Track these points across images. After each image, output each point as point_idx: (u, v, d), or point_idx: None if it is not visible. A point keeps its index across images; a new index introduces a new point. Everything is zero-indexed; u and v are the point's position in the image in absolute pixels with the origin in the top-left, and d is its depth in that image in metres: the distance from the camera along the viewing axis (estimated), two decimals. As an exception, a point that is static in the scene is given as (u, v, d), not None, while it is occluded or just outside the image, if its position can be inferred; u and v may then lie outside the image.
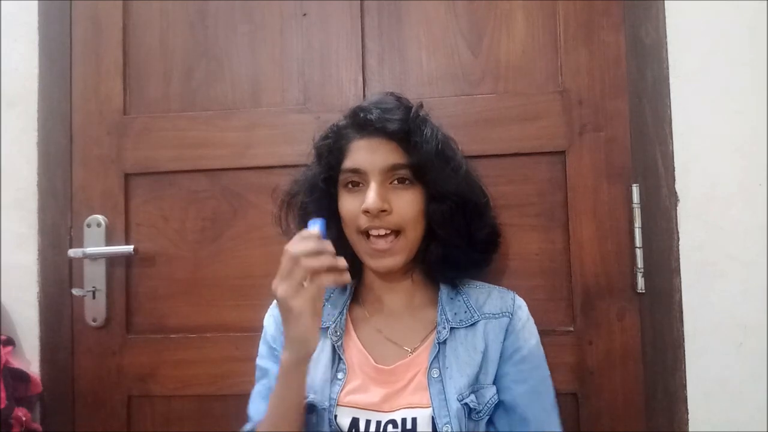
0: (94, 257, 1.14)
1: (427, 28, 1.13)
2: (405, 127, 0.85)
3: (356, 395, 0.86)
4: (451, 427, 0.81)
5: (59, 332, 1.16)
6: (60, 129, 1.19)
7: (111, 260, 1.16)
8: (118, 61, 1.19)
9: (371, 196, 0.83)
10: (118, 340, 1.15)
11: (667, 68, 1.06)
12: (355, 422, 0.84)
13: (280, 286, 0.74)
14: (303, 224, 0.90)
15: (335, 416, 0.84)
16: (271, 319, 0.94)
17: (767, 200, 1.03)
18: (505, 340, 0.88)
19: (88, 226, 1.16)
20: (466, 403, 0.83)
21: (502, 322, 0.89)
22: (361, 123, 0.86)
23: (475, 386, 0.85)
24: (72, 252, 1.13)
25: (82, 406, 1.15)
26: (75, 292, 1.14)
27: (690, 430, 1.02)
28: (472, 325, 0.89)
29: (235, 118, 1.15)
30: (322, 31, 1.15)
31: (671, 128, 1.05)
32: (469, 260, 0.92)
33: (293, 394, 0.80)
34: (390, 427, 0.83)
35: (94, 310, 1.15)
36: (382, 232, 0.85)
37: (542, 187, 1.08)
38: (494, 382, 0.87)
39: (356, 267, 0.92)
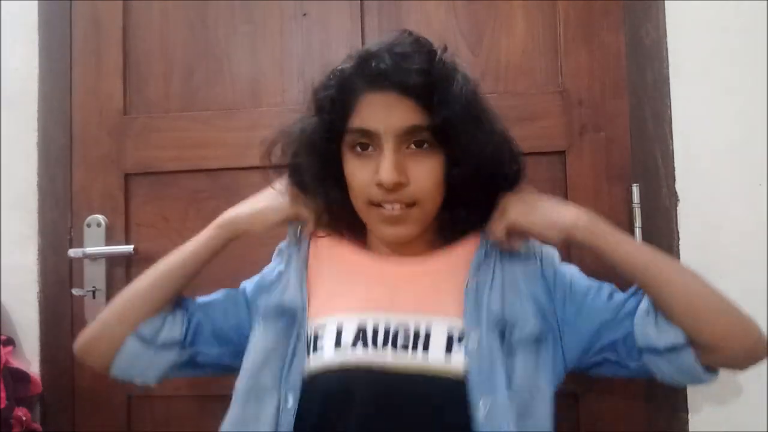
0: (94, 257, 1.14)
1: (427, 28, 1.12)
2: (427, 81, 0.71)
3: (342, 298, 0.78)
4: (484, 344, 0.71)
5: (59, 332, 1.16)
6: (60, 129, 1.19)
7: (111, 260, 1.16)
8: (118, 61, 1.19)
9: (387, 169, 0.71)
10: (118, 340, 1.15)
11: (667, 68, 1.06)
12: (339, 327, 0.74)
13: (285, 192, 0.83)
14: (296, 185, 0.84)
15: (311, 328, 0.76)
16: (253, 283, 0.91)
17: (767, 200, 1.03)
18: (553, 294, 0.80)
19: (88, 226, 1.16)
20: (498, 315, 0.74)
21: (538, 277, 0.81)
22: (372, 74, 0.72)
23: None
24: (72, 252, 1.13)
25: (82, 406, 1.15)
26: (75, 292, 1.14)
27: (690, 430, 1.02)
28: (509, 257, 0.80)
29: (236, 118, 1.15)
30: (322, 31, 1.15)
31: (671, 128, 1.05)
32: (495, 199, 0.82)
33: (204, 250, 0.84)
34: (402, 331, 0.73)
35: (95, 310, 1.15)
36: (397, 206, 0.74)
37: (542, 187, 1.06)
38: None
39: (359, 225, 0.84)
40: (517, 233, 0.79)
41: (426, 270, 0.80)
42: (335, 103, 0.76)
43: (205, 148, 1.15)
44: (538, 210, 0.78)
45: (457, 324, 0.74)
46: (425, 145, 0.74)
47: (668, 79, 1.05)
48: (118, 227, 1.16)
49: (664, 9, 1.06)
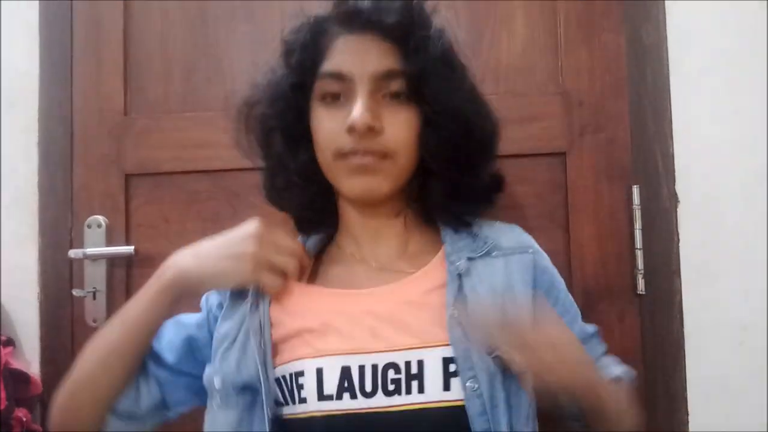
0: (94, 258, 1.14)
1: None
2: (406, 22, 0.67)
3: (319, 340, 0.67)
4: (479, 383, 0.63)
5: (59, 333, 1.16)
6: (60, 129, 1.18)
7: (111, 261, 1.15)
8: (119, 61, 1.18)
9: (359, 109, 0.65)
10: (118, 340, 1.15)
11: (667, 68, 1.06)
12: (319, 373, 0.64)
13: (254, 243, 0.70)
14: (264, 142, 0.78)
15: (290, 379, 0.66)
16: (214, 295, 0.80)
17: (767, 200, 1.03)
18: (536, 280, 0.73)
19: (89, 226, 1.16)
20: (498, 356, 0.64)
21: (525, 260, 0.74)
22: (348, 14, 0.68)
23: None
24: (72, 252, 1.13)
25: (83, 407, 1.15)
26: (75, 292, 1.14)
27: (690, 430, 1.02)
28: (488, 255, 0.72)
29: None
30: (322, 31, 1.14)
31: (671, 128, 1.05)
32: (474, 194, 0.76)
33: (150, 317, 0.70)
34: (392, 372, 0.64)
35: (95, 311, 1.15)
36: (369, 157, 0.68)
37: (542, 188, 1.08)
38: None
39: (330, 218, 0.78)
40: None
41: (404, 299, 0.70)
42: (306, 47, 0.71)
43: (205, 148, 1.15)
44: (565, 365, 0.64)
45: (449, 353, 0.66)
46: (402, 97, 0.70)
47: (668, 79, 1.05)
48: (119, 228, 1.16)
49: (664, 9, 1.06)
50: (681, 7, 1.06)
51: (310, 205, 0.78)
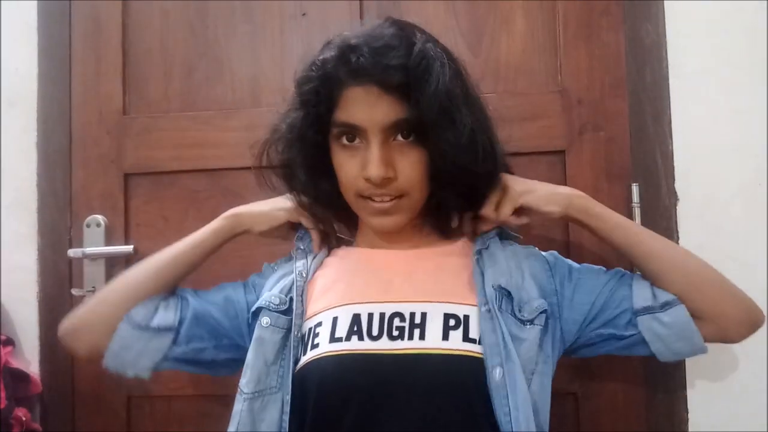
0: (93, 257, 1.14)
1: (426, 28, 1.12)
2: (405, 78, 0.71)
3: (336, 293, 0.80)
4: (493, 321, 0.73)
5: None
6: (60, 129, 1.19)
7: (111, 260, 1.15)
8: (118, 61, 1.19)
9: (374, 165, 0.73)
10: (118, 340, 1.15)
11: (667, 68, 1.06)
12: (334, 321, 0.75)
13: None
14: (288, 181, 0.86)
15: (305, 326, 0.78)
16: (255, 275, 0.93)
17: (767, 200, 1.02)
18: (553, 270, 0.84)
19: (88, 226, 1.16)
20: (503, 288, 0.77)
21: (535, 254, 0.86)
22: (352, 68, 0.72)
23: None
24: (72, 252, 1.13)
25: (82, 406, 1.15)
26: (75, 292, 1.14)
27: (690, 430, 1.02)
28: (501, 239, 0.86)
29: (235, 118, 1.15)
30: (322, 31, 1.14)
31: (671, 128, 1.05)
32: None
33: (207, 239, 0.87)
34: (397, 320, 0.74)
35: (94, 310, 1.15)
36: (387, 199, 0.76)
37: (542, 187, 1.08)
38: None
39: (351, 221, 0.89)
40: (522, 212, 0.84)
41: (419, 259, 0.83)
42: (320, 95, 0.76)
43: (205, 148, 1.15)
44: (537, 188, 0.84)
45: (454, 309, 0.75)
46: (412, 137, 0.75)
47: (668, 79, 1.05)
48: (118, 227, 1.16)
49: (664, 9, 1.06)
50: (681, 7, 1.06)
51: (331, 214, 0.89)
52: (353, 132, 0.76)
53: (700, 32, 1.06)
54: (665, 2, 1.06)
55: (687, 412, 1.02)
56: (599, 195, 1.06)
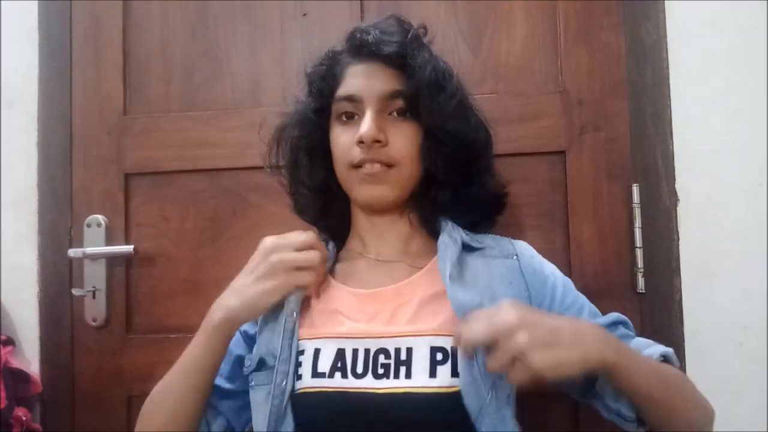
0: (94, 257, 1.14)
1: (426, 28, 1.12)
2: (404, 51, 0.78)
3: (327, 327, 0.76)
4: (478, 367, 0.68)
5: (59, 332, 1.16)
6: (60, 129, 1.19)
7: (111, 260, 1.16)
8: (118, 61, 1.19)
9: (366, 124, 0.76)
10: (118, 340, 1.15)
11: (667, 68, 1.06)
12: (316, 353, 0.73)
13: (274, 254, 0.74)
14: (293, 161, 0.89)
15: (300, 351, 0.74)
16: None
17: (767, 200, 1.03)
18: (526, 282, 0.78)
19: (88, 226, 1.16)
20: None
21: (507, 264, 0.80)
22: (357, 45, 0.80)
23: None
24: (72, 252, 1.13)
25: (82, 406, 1.15)
26: (75, 292, 1.14)
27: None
28: (480, 251, 0.81)
29: (236, 118, 1.15)
30: (322, 31, 1.14)
31: (671, 128, 1.05)
32: (474, 206, 0.84)
33: (208, 358, 0.75)
34: (382, 357, 0.71)
35: (94, 310, 1.15)
36: (377, 166, 0.77)
37: (542, 187, 1.08)
38: None
39: (345, 225, 0.88)
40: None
41: (406, 288, 0.78)
42: (325, 76, 0.83)
43: (205, 147, 1.15)
44: (562, 345, 0.62)
45: (441, 342, 0.71)
46: (406, 113, 0.80)
47: (668, 79, 1.05)
48: (118, 227, 1.16)
49: (664, 9, 1.06)
50: (681, 7, 1.06)
51: (327, 212, 0.89)
52: (352, 106, 0.80)
53: (700, 32, 1.06)
54: (665, 2, 1.06)
55: (687, 412, 1.02)
56: (599, 196, 1.06)
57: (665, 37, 1.06)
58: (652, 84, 1.06)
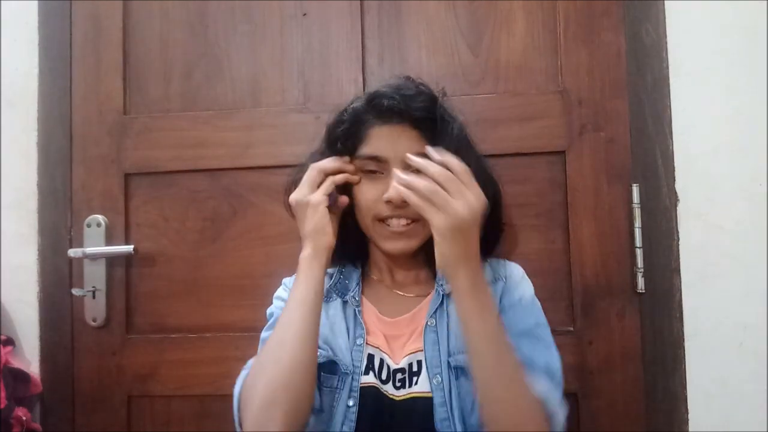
0: (94, 257, 1.14)
1: (427, 28, 1.13)
2: (430, 115, 0.83)
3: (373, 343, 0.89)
4: (441, 379, 0.82)
5: (59, 332, 1.16)
6: (60, 129, 1.19)
7: (111, 260, 1.16)
8: (118, 61, 1.19)
9: (396, 187, 0.79)
10: (118, 340, 1.15)
11: (667, 68, 1.06)
12: (370, 358, 0.85)
13: (297, 191, 0.84)
14: None
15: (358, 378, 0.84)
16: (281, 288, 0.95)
17: (767, 200, 1.03)
18: (501, 300, 0.87)
19: (88, 226, 1.16)
20: (454, 365, 0.82)
21: (497, 287, 0.88)
22: (381, 109, 0.84)
23: None
24: (72, 252, 1.13)
25: (82, 406, 1.15)
26: (75, 292, 1.14)
27: (690, 430, 1.02)
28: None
29: (235, 118, 1.15)
30: (322, 31, 1.15)
31: (671, 128, 1.05)
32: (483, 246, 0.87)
33: (313, 283, 0.81)
34: (398, 374, 0.84)
35: (94, 310, 1.15)
36: (404, 221, 0.84)
37: (542, 187, 1.08)
38: None
39: (362, 250, 0.94)
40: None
41: (416, 322, 0.88)
42: (348, 136, 0.86)
43: (205, 147, 1.15)
44: (453, 245, 0.75)
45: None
46: None
47: (668, 79, 1.06)
48: (118, 227, 1.16)
49: (664, 9, 1.06)
50: (681, 7, 1.06)
51: (345, 243, 0.91)
52: (377, 165, 0.84)
53: (700, 32, 1.06)
54: (665, 2, 1.06)
55: (687, 412, 1.02)
56: (599, 196, 1.06)
57: (665, 37, 1.06)
58: (652, 84, 1.06)
